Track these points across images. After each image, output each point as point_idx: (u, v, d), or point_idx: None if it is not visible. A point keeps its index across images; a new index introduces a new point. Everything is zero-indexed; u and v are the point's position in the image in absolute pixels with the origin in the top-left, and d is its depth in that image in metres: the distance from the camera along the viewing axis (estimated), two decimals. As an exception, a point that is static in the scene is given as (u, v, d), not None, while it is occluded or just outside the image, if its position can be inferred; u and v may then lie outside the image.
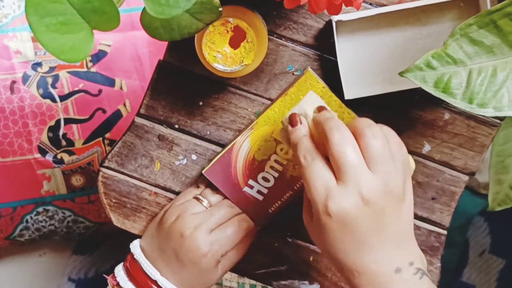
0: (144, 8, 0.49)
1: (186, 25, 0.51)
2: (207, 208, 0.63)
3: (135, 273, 0.62)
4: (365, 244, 0.49)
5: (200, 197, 0.64)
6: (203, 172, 0.63)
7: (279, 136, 0.60)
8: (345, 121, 0.61)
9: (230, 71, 0.58)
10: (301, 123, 0.54)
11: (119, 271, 0.63)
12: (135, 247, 0.64)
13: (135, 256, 0.63)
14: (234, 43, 0.58)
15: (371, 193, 0.48)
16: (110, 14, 0.47)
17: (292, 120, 0.54)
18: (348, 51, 0.61)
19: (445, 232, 0.66)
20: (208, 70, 0.59)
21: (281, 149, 0.63)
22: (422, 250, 0.65)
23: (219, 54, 0.57)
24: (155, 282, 0.61)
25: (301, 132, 0.53)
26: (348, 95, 0.60)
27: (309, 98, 0.57)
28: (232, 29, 0.57)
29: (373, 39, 0.61)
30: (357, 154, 0.48)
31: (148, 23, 0.51)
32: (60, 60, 0.51)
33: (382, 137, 0.50)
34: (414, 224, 0.65)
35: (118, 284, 0.62)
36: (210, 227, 0.61)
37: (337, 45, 0.59)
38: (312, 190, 0.49)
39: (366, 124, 0.51)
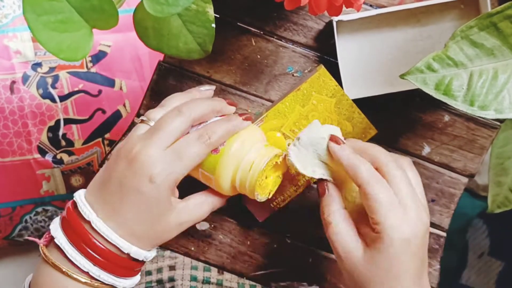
0: (139, 4, 0.49)
1: (176, 34, 0.51)
2: None
3: (69, 216, 0.51)
4: (424, 269, 0.51)
5: (145, 118, 0.53)
6: None
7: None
8: (355, 121, 0.61)
9: (258, 200, 0.55)
10: (328, 191, 0.53)
11: (56, 219, 0.53)
12: (78, 193, 0.52)
13: (74, 199, 0.52)
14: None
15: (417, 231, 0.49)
16: (109, 12, 0.47)
17: (320, 190, 0.54)
18: (348, 52, 0.61)
19: (444, 234, 0.66)
20: (207, 71, 0.59)
21: (289, 144, 0.62)
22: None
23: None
24: (89, 223, 0.49)
25: (335, 207, 0.52)
26: (349, 95, 0.60)
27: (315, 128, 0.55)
28: (280, 162, 0.55)
29: (374, 40, 0.61)
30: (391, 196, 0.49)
31: (139, 21, 0.51)
32: (59, 58, 0.51)
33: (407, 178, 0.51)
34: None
35: (50, 236, 0.52)
36: (163, 143, 0.50)
37: (338, 46, 0.59)
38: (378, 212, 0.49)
39: (393, 165, 0.51)
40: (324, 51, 0.63)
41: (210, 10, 0.51)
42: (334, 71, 0.61)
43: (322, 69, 0.60)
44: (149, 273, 0.78)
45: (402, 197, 0.49)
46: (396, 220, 0.48)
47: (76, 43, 0.47)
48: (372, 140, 0.64)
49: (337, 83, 0.61)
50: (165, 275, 0.76)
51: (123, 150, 0.50)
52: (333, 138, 0.53)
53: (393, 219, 0.48)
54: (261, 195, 0.54)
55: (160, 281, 0.76)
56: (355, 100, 0.60)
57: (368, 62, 0.62)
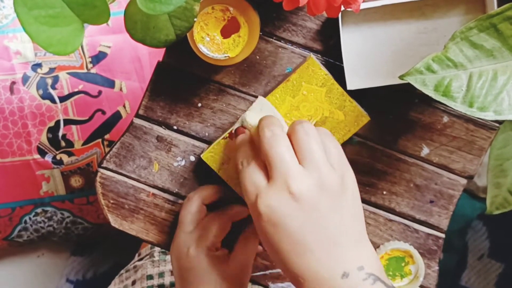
0: (132, 0, 0.49)
1: (161, 28, 0.52)
2: None
3: None
4: (303, 245, 0.45)
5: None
6: (201, 156, 0.63)
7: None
8: (347, 109, 0.61)
9: (211, 57, 0.59)
10: (244, 132, 0.56)
11: None
12: None
13: None
14: (225, 33, 0.58)
15: (300, 189, 0.45)
16: (100, 8, 0.47)
17: (237, 131, 0.57)
18: (352, 43, 0.61)
19: (443, 235, 0.66)
20: (206, 71, 0.59)
21: None
22: (420, 253, 0.65)
23: (207, 37, 0.58)
24: None
25: (242, 139, 0.54)
26: (350, 86, 0.60)
27: (261, 105, 0.60)
28: (229, 18, 0.58)
29: (378, 32, 0.61)
30: (287, 150, 0.47)
31: (130, 15, 0.51)
32: (48, 52, 0.52)
33: (313, 133, 0.49)
34: (412, 227, 0.65)
35: None
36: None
37: (342, 36, 0.59)
38: (245, 193, 0.48)
39: (299, 121, 0.50)
40: (323, 51, 0.63)
41: (197, 7, 0.51)
42: (334, 72, 0.61)
43: (311, 59, 0.60)
44: (150, 277, 0.77)
45: (302, 156, 0.48)
46: (289, 174, 0.47)
47: (66, 37, 0.48)
48: (370, 134, 0.64)
49: (327, 72, 0.61)
50: (167, 279, 0.76)
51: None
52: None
53: (287, 173, 0.47)
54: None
55: (161, 286, 0.75)
56: (357, 91, 0.60)
57: (372, 54, 0.62)
